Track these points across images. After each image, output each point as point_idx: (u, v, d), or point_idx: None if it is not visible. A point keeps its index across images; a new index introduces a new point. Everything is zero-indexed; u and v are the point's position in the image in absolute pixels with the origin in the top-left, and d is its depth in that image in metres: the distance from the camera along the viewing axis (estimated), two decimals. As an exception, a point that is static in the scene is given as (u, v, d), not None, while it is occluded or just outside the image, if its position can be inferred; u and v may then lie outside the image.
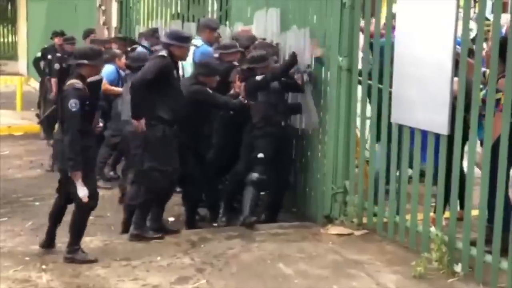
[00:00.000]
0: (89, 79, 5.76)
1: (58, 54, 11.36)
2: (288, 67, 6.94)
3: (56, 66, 11.25)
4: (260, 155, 6.74)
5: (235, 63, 7.36)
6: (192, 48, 8.04)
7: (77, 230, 5.84)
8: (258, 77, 6.83)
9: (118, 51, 9.61)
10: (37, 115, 12.33)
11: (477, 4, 6.22)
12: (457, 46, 5.55)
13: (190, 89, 6.71)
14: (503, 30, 8.90)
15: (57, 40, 11.81)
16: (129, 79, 7.93)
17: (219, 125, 7.28)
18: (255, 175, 6.74)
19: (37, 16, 19.46)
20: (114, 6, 13.20)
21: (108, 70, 9.01)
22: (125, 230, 6.80)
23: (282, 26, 7.72)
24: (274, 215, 7.17)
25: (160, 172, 6.24)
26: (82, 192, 5.67)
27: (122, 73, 9.07)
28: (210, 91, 6.75)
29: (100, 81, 6.02)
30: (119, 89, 9.02)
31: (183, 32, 6.95)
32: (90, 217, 7.44)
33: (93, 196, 5.78)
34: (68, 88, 5.70)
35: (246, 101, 6.86)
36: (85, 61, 5.76)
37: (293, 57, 6.85)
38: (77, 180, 5.65)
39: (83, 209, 5.79)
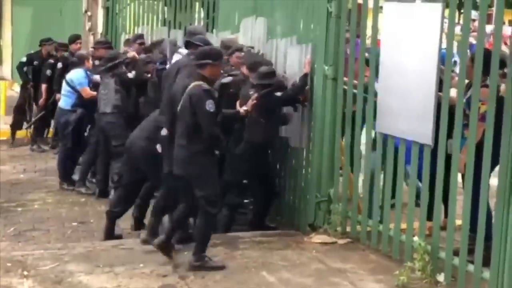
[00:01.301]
0: (223, 81, 5.78)
1: (51, 61, 11.26)
2: (303, 88, 6.78)
3: (48, 72, 11.17)
4: (245, 181, 6.74)
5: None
6: (178, 57, 8.06)
7: (204, 237, 5.79)
8: (278, 93, 6.68)
9: (85, 52, 9.61)
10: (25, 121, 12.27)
11: (461, 15, 6.29)
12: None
13: None
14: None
15: (47, 47, 11.74)
16: (104, 78, 8.01)
17: None
18: (232, 199, 6.79)
19: (22, 21, 19.37)
20: (100, 12, 13.16)
21: (78, 74, 9.04)
22: (107, 237, 6.77)
23: (269, 34, 7.74)
24: (260, 223, 7.14)
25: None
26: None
27: (91, 75, 9.08)
28: None
29: (231, 83, 6.01)
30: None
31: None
32: (73, 223, 7.48)
33: (216, 202, 5.74)
34: (197, 90, 5.65)
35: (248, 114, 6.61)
36: (209, 61, 5.75)
37: (306, 77, 6.74)
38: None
39: (208, 214, 5.72)
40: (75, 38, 11.25)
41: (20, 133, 12.35)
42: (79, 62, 9.27)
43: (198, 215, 5.80)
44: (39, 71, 11.51)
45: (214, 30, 9.57)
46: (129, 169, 6.90)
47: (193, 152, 5.68)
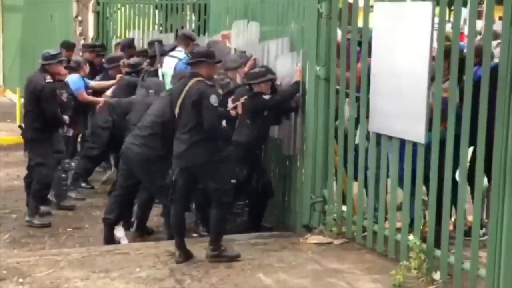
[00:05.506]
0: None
1: None
2: (294, 94, 6.80)
3: None
4: (233, 180, 6.74)
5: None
6: (174, 61, 8.07)
7: (219, 228, 6.04)
8: (267, 97, 6.69)
9: (80, 58, 9.56)
10: (20, 127, 12.19)
11: (452, 13, 6.29)
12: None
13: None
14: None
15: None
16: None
17: None
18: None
19: (12, 27, 19.33)
20: (91, 17, 13.14)
21: (72, 78, 9.01)
22: (107, 244, 6.73)
23: (260, 37, 7.73)
24: (256, 225, 7.14)
25: None
26: None
27: (87, 80, 9.08)
28: None
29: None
30: (98, 98, 9.02)
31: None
32: (68, 229, 7.46)
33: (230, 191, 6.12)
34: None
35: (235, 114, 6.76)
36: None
37: (298, 85, 6.75)
38: None
39: (224, 206, 6.03)
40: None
41: (13, 140, 12.30)
42: (76, 67, 9.21)
43: (212, 206, 6.01)
44: None
45: (206, 33, 9.59)
46: (124, 174, 6.88)
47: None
